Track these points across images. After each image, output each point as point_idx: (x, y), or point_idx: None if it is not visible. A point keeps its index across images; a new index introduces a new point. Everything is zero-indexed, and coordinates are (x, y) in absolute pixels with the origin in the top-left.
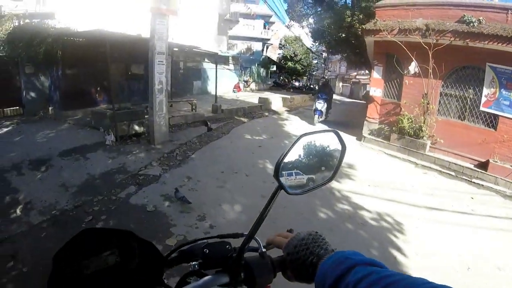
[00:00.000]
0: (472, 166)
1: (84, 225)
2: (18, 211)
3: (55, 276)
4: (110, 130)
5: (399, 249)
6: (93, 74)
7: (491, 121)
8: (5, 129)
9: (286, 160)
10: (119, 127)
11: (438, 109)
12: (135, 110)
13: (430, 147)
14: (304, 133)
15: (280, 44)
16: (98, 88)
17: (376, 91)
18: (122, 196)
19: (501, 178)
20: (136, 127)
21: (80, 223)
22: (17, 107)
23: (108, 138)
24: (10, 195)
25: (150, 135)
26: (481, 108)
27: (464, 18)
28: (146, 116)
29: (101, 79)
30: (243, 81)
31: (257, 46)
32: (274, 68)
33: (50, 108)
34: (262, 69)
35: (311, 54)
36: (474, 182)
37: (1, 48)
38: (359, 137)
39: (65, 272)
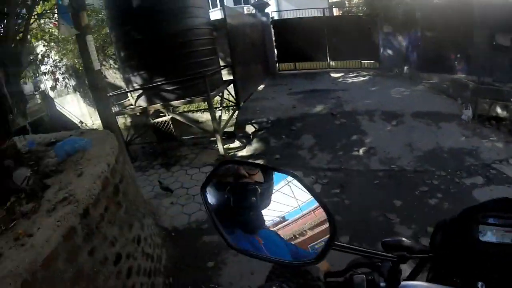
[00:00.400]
0: None
1: (417, 193)
2: (360, 151)
3: (454, 223)
4: (469, 105)
5: None
6: (453, 39)
7: None
8: (362, 78)
9: None
10: (480, 104)
11: None
12: (501, 88)
13: None
14: None
15: None
16: (458, 55)
17: None
18: (466, 182)
19: None
20: (499, 110)
21: (414, 189)
22: (374, 61)
23: (465, 113)
24: (357, 135)
25: None
26: None
27: None
28: (511, 100)
29: (461, 46)
30: None
31: None
32: None
33: (405, 67)
34: None
35: None
36: None
37: (360, 9)
38: None
39: (460, 229)
